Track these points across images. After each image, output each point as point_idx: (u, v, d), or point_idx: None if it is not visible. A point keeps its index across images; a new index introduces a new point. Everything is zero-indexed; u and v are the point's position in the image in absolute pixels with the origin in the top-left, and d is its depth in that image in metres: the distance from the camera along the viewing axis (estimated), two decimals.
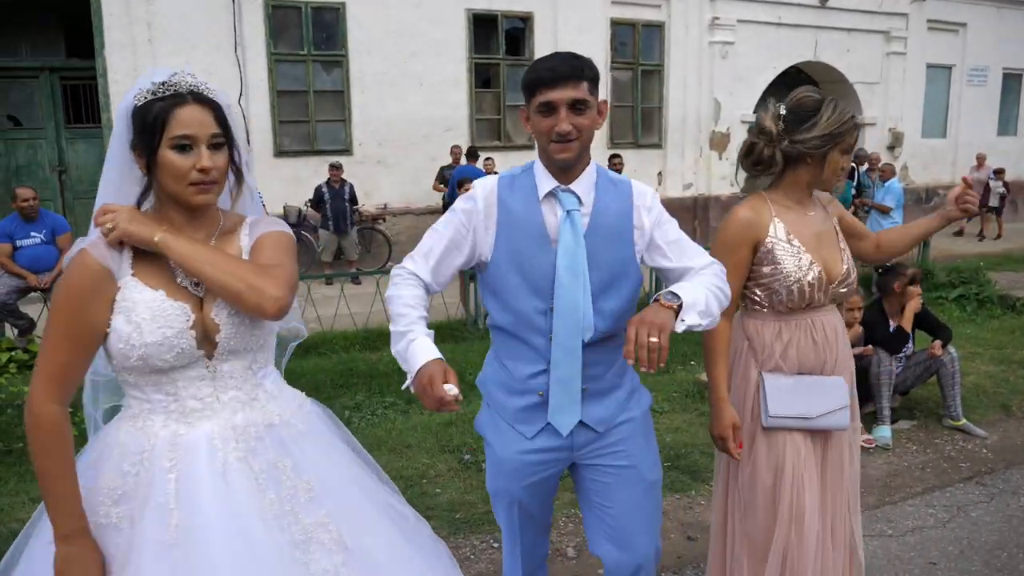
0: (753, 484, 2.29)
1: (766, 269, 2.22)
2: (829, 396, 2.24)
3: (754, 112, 13.25)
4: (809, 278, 2.20)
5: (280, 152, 10.52)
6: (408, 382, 1.79)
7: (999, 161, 14.89)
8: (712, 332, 2.21)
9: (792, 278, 2.20)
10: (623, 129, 12.84)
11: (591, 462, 2.04)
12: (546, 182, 1.92)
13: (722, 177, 13.54)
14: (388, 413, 5.55)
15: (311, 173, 10.62)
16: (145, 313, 1.47)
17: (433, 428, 4.62)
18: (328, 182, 10.13)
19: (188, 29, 9.97)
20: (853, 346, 4.60)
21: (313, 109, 10.86)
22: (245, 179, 1.65)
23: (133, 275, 1.51)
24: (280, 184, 10.37)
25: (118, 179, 1.57)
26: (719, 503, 2.44)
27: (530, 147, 11.81)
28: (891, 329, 4.80)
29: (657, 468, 2.11)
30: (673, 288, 1.79)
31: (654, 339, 1.61)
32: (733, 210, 2.29)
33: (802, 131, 2.15)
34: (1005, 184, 13.89)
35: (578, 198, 1.92)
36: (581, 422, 1.98)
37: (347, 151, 11.00)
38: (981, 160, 14.51)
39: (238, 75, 10.27)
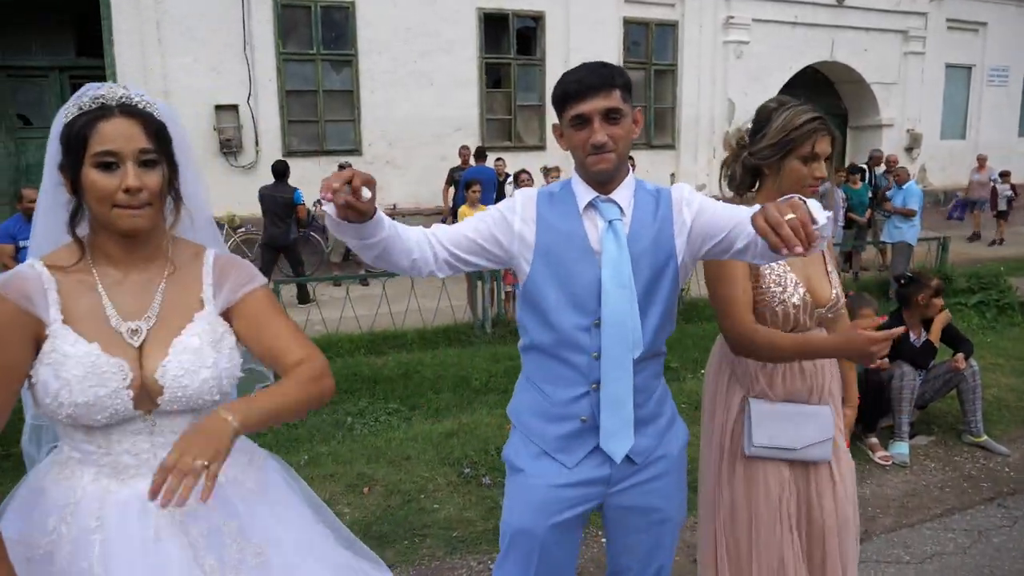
0: (734, 514, 2.19)
1: (752, 290, 2.07)
2: (814, 427, 2.11)
3: None
4: (794, 300, 2.06)
5: (289, 152, 10.43)
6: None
7: (1021, 163, 14.63)
8: (761, 337, 2.02)
9: (776, 300, 2.06)
10: None
11: (621, 501, 1.91)
12: (585, 194, 1.82)
13: None
14: (391, 420, 5.45)
15: (320, 173, 10.50)
16: (76, 370, 1.31)
17: (434, 439, 4.50)
18: None
19: (197, 28, 9.90)
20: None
21: (322, 109, 10.77)
22: (183, 203, 1.49)
23: (64, 322, 1.35)
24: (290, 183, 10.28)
25: (52, 205, 1.43)
26: (706, 528, 2.33)
27: (540, 147, 11.70)
28: (913, 341, 4.63)
29: (684, 508, 2.03)
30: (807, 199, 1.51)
31: (791, 215, 1.37)
32: None
33: (755, 141, 2.07)
34: (1012, 187, 13.59)
35: (619, 208, 1.81)
36: None
37: (356, 151, 10.91)
38: (982, 162, 14.17)
39: (247, 74, 10.20)
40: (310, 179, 10.19)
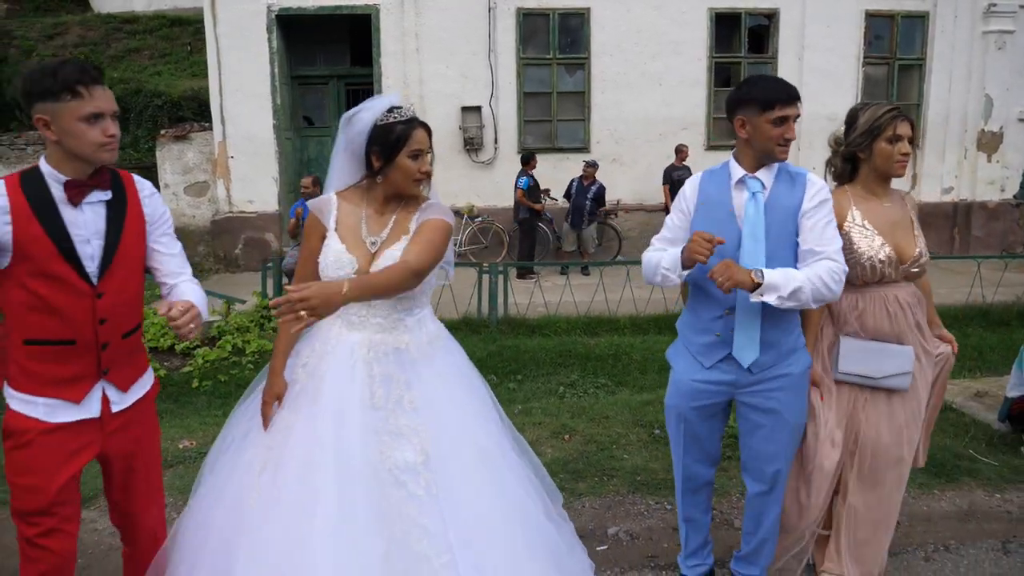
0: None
1: (844, 249, 2.54)
2: (895, 361, 2.60)
3: None
4: (880, 256, 2.57)
5: (524, 149, 11.32)
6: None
7: None
8: (808, 309, 2.60)
9: (865, 256, 2.58)
10: None
11: (747, 400, 2.55)
12: (738, 171, 2.48)
13: (990, 182, 12.29)
14: (598, 393, 6.01)
15: (551, 168, 11.31)
16: (331, 257, 2.22)
17: (632, 405, 4.97)
18: (580, 178, 10.70)
19: (449, 38, 11.10)
20: None
21: (556, 109, 11.56)
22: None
23: (335, 229, 2.26)
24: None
25: (346, 167, 2.32)
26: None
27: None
28: None
29: (802, 415, 2.60)
30: (770, 270, 2.32)
31: (720, 278, 2.25)
32: None
33: (849, 135, 2.64)
34: None
35: (762, 183, 2.46)
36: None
37: (585, 148, 11.58)
38: None
39: (490, 78, 11.24)
40: (542, 173, 11.00)
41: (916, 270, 2.65)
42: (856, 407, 2.67)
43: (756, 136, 2.41)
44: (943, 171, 12.30)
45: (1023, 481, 3.84)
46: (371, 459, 2.11)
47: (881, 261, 2.57)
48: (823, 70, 11.64)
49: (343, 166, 2.30)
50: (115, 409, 2.20)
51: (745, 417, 2.59)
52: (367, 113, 2.20)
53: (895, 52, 11.98)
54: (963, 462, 4.01)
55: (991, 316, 8.05)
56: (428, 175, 2.25)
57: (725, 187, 2.50)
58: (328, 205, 2.29)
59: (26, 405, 2.10)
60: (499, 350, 7.12)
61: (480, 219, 11.34)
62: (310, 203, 2.33)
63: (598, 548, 3.22)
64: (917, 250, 2.63)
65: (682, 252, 2.41)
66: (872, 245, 2.57)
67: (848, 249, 2.57)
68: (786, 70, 11.70)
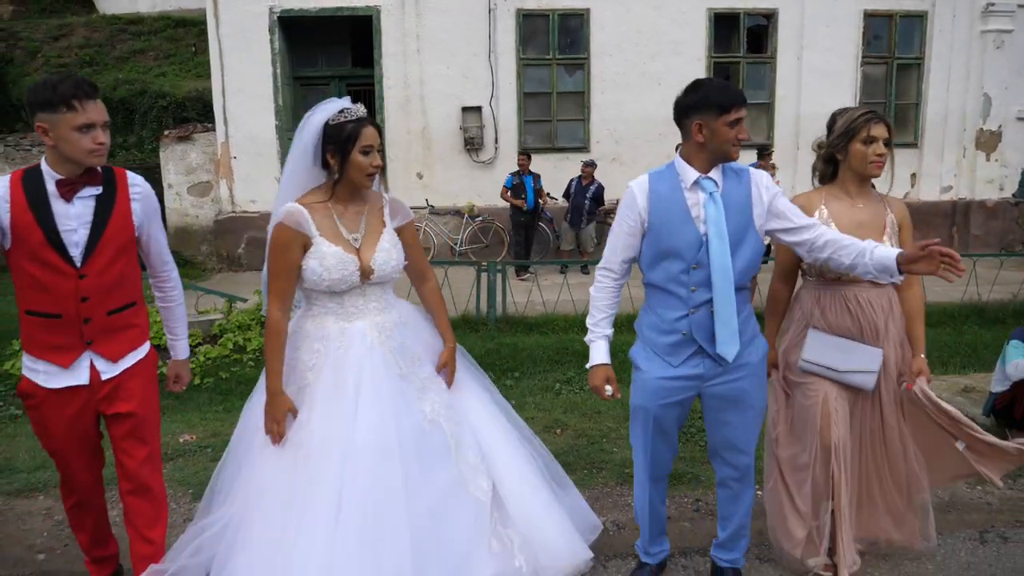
0: (796, 417, 2.87)
1: None
2: (860, 358, 2.72)
3: None
4: None
5: (524, 149, 11.40)
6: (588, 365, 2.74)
7: None
8: (771, 293, 2.87)
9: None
10: None
11: (714, 391, 2.64)
12: (691, 173, 2.55)
13: (988, 180, 12.33)
14: None
15: (551, 168, 11.41)
16: (332, 260, 2.42)
17: (625, 401, 5.03)
18: (579, 178, 10.76)
19: (449, 39, 11.19)
20: None
21: (555, 109, 11.65)
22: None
23: (321, 235, 2.43)
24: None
25: (299, 171, 2.51)
26: (770, 434, 2.98)
27: (764, 146, 11.66)
28: None
29: (763, 399, 2.73)
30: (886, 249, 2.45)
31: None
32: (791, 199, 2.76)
33: (829, 138, 2.81)
34: None
35: (716, 183, 2.54)
36: (710, 356, 2.56)
37: (585, 148, 11.66)
38: None
39: (490, 78, 11.33)
40: (541, 173, 11.08)
41: None
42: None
43: (713, 138, 2.48)
44: (942, 170, 12.35)
45: (1005, 474, 3.91)
46: (414, 416, 2.49)
47: None
48: (822, 70, 11.70)
49: (297, 170, 2.47)
50: (104, 378, 2.53)
51: (713, 407, 2.68)
52: (319, 114, 2.40)
53: (894, 52, 12.04)
54: None
55: (986, 314, 8.10)
56: (379, 168, 2.44)
57: (677, 189, 2.55)
58: (301, 215, 2.41)
59: (32, 371, 2.49)
60: (497, 348, 7.20)
61: (480, 218, 11.43)
62: (283, 219, 2.40)
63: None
64: None
65: (594, 359, 2.68)
66: None
67: None
68: (785, 70, 11.78)
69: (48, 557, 3.21)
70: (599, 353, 2.69)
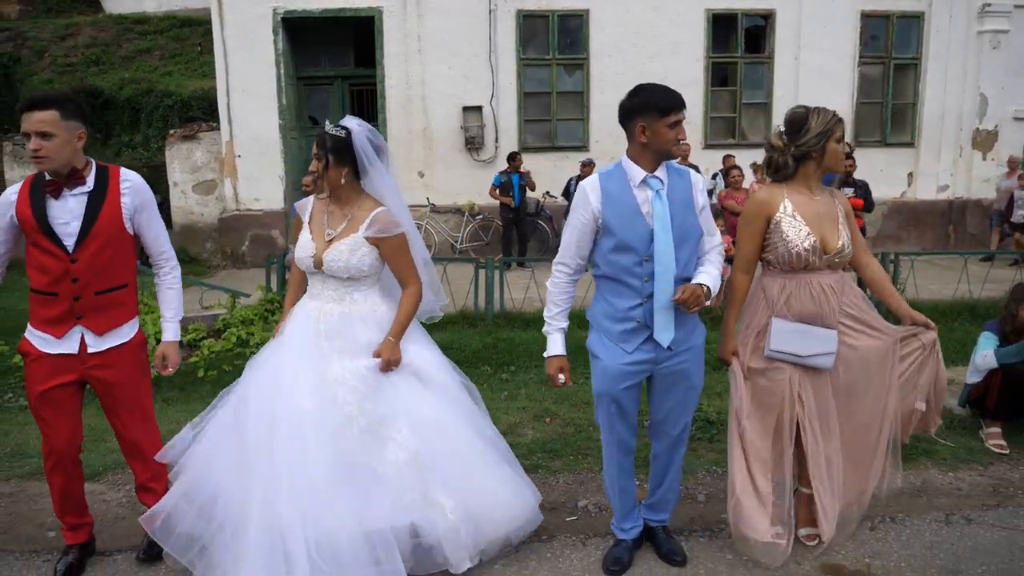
0: (760, 402, 3.05)
1: (774, 237, 2.89)
2: (820, 342, 2.94)
3: None
4: (805, 245, 2.91)
5: (524, 148, 11.56)
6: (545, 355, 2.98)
7: None
8: (733, 284, 3.02)
9: (792, 244, 2.92)
10: (870, 127, 12.29)
11: (664, 372, 2.88)
12: (639, 172, 2.77)
13: (985, 180, 12.41)
14: (585, 382, 6.19)
15: (551, 167, 11.57)
16: (301, 243, 2.97)
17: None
18: (578, 177, 10.89)
19: (451, 40, 11.35)
20: None
21: (555, 109, 11.80)
22: (361, 185, 2.97)
23: (308, 223, 2.99)
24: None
25: None
26: (733, 419, 3.12)
27: (760, 145, 11.77)
28: None
29: (701, 378, 2.99)
30: (706, 276, 2.78)
31: (693, 308, 2.72)
32: (753, 193, 2.97)
33: (801, 136, 2.93)
34: None
35: (661, 181, 2.77)
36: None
37: (584, 147, 11.81)
38: (1013, 164, 11.55)
39: (491, 79, 11.49)
40: (541, 172, 11.26)
41: (839, 260, 2.98)
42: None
43: (656, 139, 2.69)
44: (938, 169, 12.46)
45: (977, 461, 4.06)
46: (323, 374, 2.87)
47: (806, 249, 2.89)
48: (819, 70, 11.82)
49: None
50: (91, 350, 2.91)
51: (660, 386, 2.92)
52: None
53: (891, 52, 12.15)
54: (922, 444, 4.21)
55: (977, 311, 8.22)
56: (318, 177, 2.93)
57: (626, 187, 2.76)
58: (306, 204, 3.06)
59: (32, 336, 2.92)
60: (494, 342, 7.34)
61: (481, 217, 11.59)
62: (296, 203, 2.96)
63: (568, 519, 3.48)
64: (840, 242, 2.96)
65: (550, 350, 2.91)
66: (799, 235, 2.90)
67: (777, 237, 2.94)
68: (783, 70, 11.90)
69: (58, 535, 3.38)
70: (555, 345, 2.94)
